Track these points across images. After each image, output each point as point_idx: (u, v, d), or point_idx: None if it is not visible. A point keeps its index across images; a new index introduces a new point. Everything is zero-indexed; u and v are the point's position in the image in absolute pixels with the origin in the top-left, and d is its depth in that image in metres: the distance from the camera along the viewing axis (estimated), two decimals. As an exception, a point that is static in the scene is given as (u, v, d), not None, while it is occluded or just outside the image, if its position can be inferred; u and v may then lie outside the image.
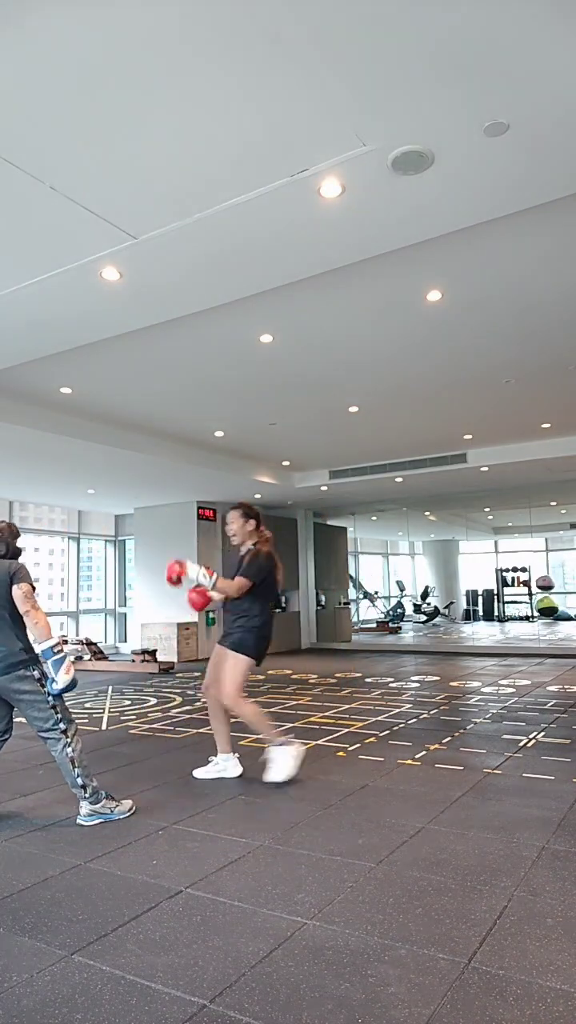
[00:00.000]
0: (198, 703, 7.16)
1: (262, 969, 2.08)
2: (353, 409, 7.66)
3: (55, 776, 4.28)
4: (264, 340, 5.51)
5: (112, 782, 4.12)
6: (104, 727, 5.96)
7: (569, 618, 18.55)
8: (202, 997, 1.95)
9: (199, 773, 4.22)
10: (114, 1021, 1.85)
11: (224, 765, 4.19)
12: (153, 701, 7.40)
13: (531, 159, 2.98)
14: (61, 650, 3.51)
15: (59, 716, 3.48)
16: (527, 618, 18.81)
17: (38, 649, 3.51)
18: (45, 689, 3.48)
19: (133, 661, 10.53)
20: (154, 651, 10.69)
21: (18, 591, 3.50)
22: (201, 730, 5.68)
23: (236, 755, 4.25)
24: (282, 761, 3.99)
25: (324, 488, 11.49)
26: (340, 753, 4.74)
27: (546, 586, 18.91)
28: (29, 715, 3.49)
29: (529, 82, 2.55)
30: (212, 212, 3.35)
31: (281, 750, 4.00)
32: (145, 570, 12.69)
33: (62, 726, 3.48)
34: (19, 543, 3.78)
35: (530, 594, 18.99)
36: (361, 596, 18.59)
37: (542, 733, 5.25)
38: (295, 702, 7.04)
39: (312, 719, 6.04)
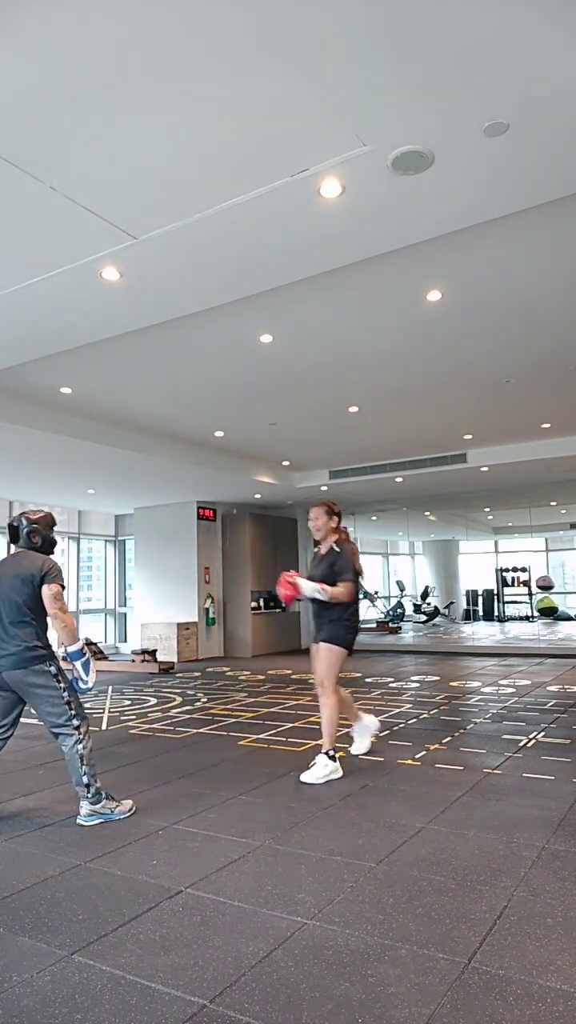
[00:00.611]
0: (198, 703, 7.16)
1: (262, 969, 2.08)
2: (353, 409, 7.66)
3: (55, 776, 4.29)
4: (264, 340, 5.51)
5: (112, 782, 4.12)
6: (104, 727, 5.96)
7: (569, 618, 18.54)
8: (202, 997, 1.95)
9: (355, 749, 4.62)
10: (114, 1021, 1.85)
11: (366, 725, 4.65)
12: (153, 701, 7.40)
13: (531, 159, 2.98)
14: (87, 652, 3.53)
15: (73, 712, 3.47)
16: (527, 618, 18.80)
17: (66, 651, 3.50)
18: (61, 685, 3.47)
19: (133, 661, 10.54)
20: (154, 651, 10.70)
21: (47, 591, 3.47)
22: (201, 730, 5.69)
23: (366, 716, 4.65)
24: (321, 769, 4.13)
25: (324, 488, 11.49)
26: (340, 753, 4.74)
27: (546, 586, 18.90)
28: (43, 710, 3.47)
29: (529, 82, 2.55)
30: (212, 212, 3.35)
31: (325, 760, 4.17)
32: (145, 570, 12.69)
33: (75, 722, 3.47)
34: (37, 538, 3.70)
35: (530, 594, 18.99)
36: (361, 596, 18.56)
37: (542, 733, 5.25)
38: (295, 702, 7.03)
39: (312, 719, 6.03)
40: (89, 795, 3.44)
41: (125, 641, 14.10)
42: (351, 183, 3.13)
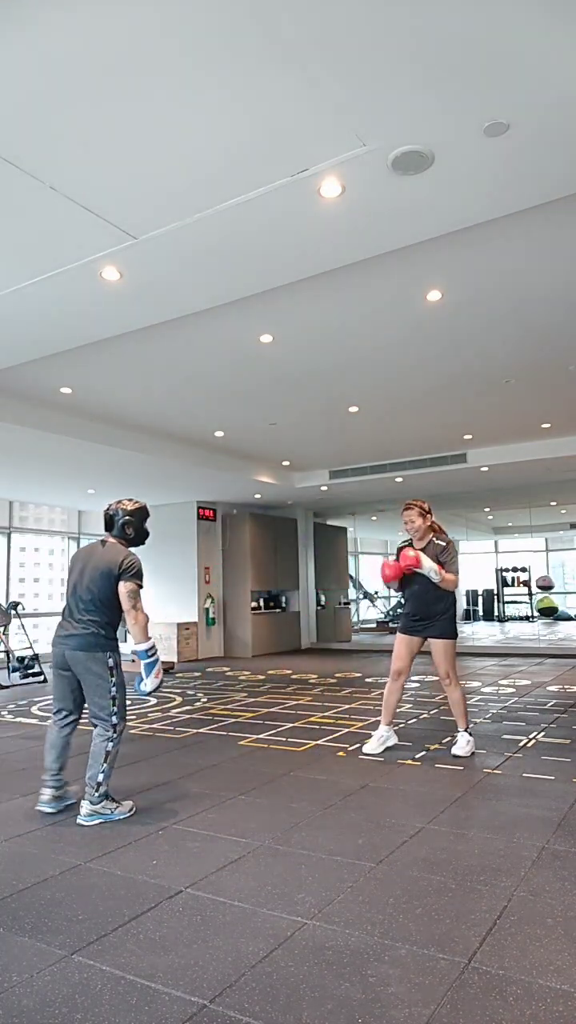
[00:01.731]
0: (198, 703, 7.16)
1: (262, 969, 2.08)
2: (353, 409, 7.66)
3: (55, 776, 4.28)
4: (264, 340, 5.51)
5: (112, 782, 4.12)
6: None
7: (569, 618, 18.55)
8: (202, 997, 1.95)
9: (368, 749, 4.73)
10: (114, 1021, 1.85)
11: (388, 736, 4.80)
12: (153, 701, 7.40)
13: (531, 159, 2.98)
14: (155, 654, 3.58)
15: (115, 709, 3.55)
16: (527, 618, 18.81)
17: (134, 649, 3.62)
18: (113, 679, 3.58)
19: (133, 661, 10.52)
20: (154, 651, 10.69)
21: (124, 588, 3.57)
22: (201, 730, 5.69)
23: (389, 729, 4.84)
24: (464, 743, 4.59)
25: (324, 488, 11.49)
26: (340, 753, 4.74)
27: (546, 586, 18.90)
28: (90, 696, 3.57)
29: (529, 82, 2.55)
30: (212, 212, 3.35)
31: (465, 736, 4.62)
32: (145, 570, 12.66)
33: (114, 720, 3.54)
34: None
35: (530, 594, 18.99)
36: (361, 596, 18.59)
37: (542, 733, 5.25)
38: (295, 702, 7.03)
39: (312, 719, 6.04)
40: (95, 793, 3.46)
41: (125, 641, 14.09)
42: (351, 183, 3.13)
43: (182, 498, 11.98)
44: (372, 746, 4.74)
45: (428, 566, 4.48)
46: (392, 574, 4.67)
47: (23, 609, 10.11)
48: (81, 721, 3.78)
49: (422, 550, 4.64)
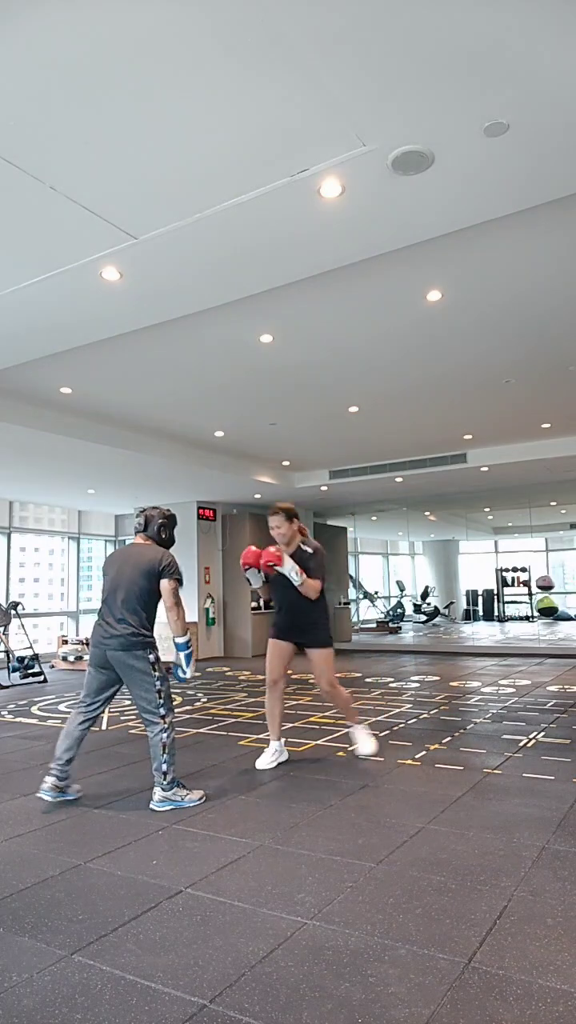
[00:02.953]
0: (198, 703, 7.16)
1: (262, 969, 2.08)
2: (353, 409, 7.66)
3: (55, 776, 4.29)
4: (264, 340, 5.51)
5: (112, 782, 4.12)
6: (104, 727, 5.96)
7: (569, 618, 18.54)
8: (202, 997, 1.95)
9: (260, 763, 4.48)
10: (114, 1021, 1.85)
11: (280, 750, 4.58)
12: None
13: (531, 159, 2.98)
14: (192, 646, 3.81)
15: (161, 702, 3.69)
16: (527, 618, 18.80)
17: (175, 641, 3.79)
18: (156, 674, 3.70)
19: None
20: (154, 651, 10.68)
21: (167, 585, 3.77)
22: (201, 730, 5.68)
23: (279, 743, 4.62)
24: (363, 738, 4.68)
25: (324, 488, 11.49)
26: (340, 753, 4.74)
27: (546, 586, 18.89)
28: (136, 693, 3.71)
29: (529, 82, 2.55)
30: (212, 212, 3.35)
31: (361, 729, 4.73)
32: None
33: (162, 711, 3.68)
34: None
35: (530, 594, 18.98)
36: (361, 596, 18.58)
37: (542, 733, 5.25)
38: (295, 702, 7.03)
39: (312, 719, 6.04)
40: (164, 782, 3.62)
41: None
42: (351, 183, 3.13)
43: (182, 498, 11.98)
44: (264, 760, 4.46)
45: (289, 566, 4.27)
46: (248, 561, 4.43)
47: (23, 609, 10.11)
48: (84, 722, 3.86)
49: (291, 555, 4.43)
